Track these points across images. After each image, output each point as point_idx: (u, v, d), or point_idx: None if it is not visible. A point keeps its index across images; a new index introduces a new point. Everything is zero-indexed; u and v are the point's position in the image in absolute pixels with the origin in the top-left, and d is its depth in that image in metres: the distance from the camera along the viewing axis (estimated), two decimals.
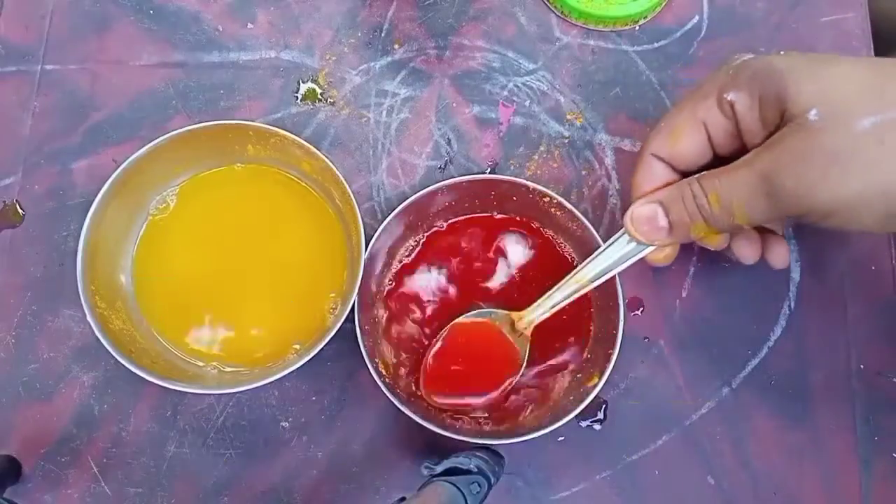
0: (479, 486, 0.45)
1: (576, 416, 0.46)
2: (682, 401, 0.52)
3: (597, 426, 0.52)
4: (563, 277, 0.47)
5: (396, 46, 0.58)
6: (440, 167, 0.56)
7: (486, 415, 0.50)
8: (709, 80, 0.41)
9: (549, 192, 0.50)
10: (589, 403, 0.46)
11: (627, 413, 0.52)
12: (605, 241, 0.45)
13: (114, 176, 0.48)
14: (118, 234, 0.51)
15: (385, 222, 0.49)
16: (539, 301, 0.48)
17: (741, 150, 0.40)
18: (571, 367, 0.51)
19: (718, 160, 0.41)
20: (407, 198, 0.50)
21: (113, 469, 0.52)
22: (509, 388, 0.49)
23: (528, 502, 0.51)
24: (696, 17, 0.59)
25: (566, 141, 0.56)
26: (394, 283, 0.52)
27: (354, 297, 0.47)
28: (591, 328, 0.51)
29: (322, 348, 0.45)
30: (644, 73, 0.58)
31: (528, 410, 0.50)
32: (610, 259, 0.44)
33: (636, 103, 0.57)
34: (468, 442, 0.47)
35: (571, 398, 0.48)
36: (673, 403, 0.52)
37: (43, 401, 0.52)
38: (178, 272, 0.53)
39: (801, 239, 0.55)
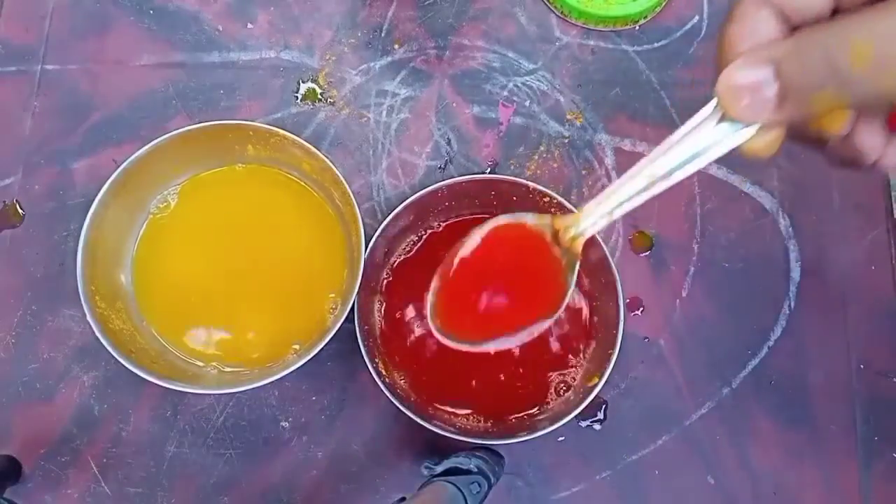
0: (479, 486, 0.45)
1: (576, 416, 0.46)
2: (682, 401, 0.52)
3: (597, 426, 0.52)
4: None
5: (396, 46, 0.58)
6: (440, 167, 0.56)
7: (477, 416, 0.50)
8: None
9: (549, 192, 0.50)
10: (589, 403, 0.46)
11: (627, 413, 0.52)
12: (604, 240, 0.45)
13: (114, 176, 0.48)
14: (118, 234, 0.51)
15: (385, 222, 0.49)
16: (599, 198, 0.34)
17: None
18: (571, 366, 0.51)
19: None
20: (407, 198, 0.50)
21: (113, 469, 0.52)
22: (546, 325, 0.37)
23: (528, 502, 0.51)
24: (696, 17, 0.59)
25: (566, 141, 0.56)
26: (393, 281, 0.52)
27: (354, 297, 0.47)
28: (591, 328, 0.51)
29: (322, 348, 0.45)
30: (644, 73, 0.58)
31: (528, 410, 0.50)
32: (692, 148, 0.33)
33: (636, 103, 0.57)
34: (468, 442, 0.47)
35: (571, 398, 0.48)
36: (673, 403, 0.52)
37: (43, 401, 0.52)
38: (177, 272, 0.53)
39: (801, 239, 0.55)
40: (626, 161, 0.56)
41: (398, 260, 0.53)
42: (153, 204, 0.53)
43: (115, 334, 0.47)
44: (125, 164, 0.48)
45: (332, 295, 0.51)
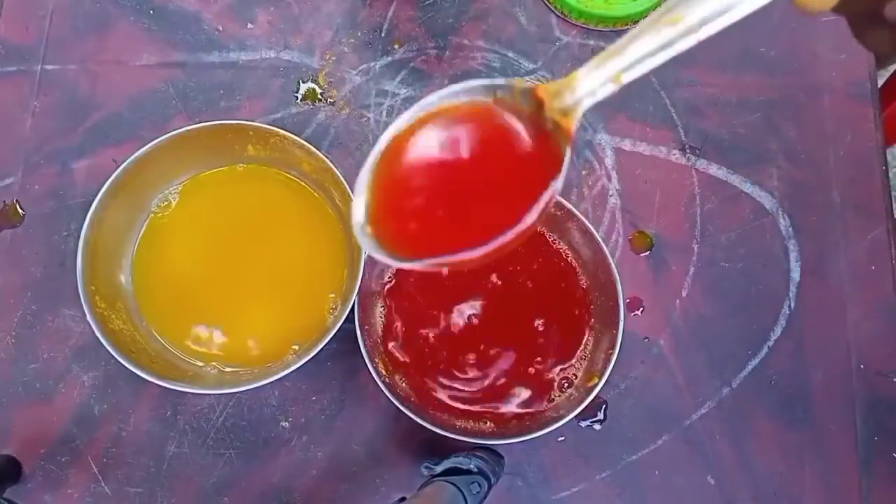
0: (479, 485, 0.45)
1: (576, 416, 0.46)
2: (681, 401, 0.52)
3: (597, 426, 0.52)
4: (559, 280, 0.45)
5: (396, 46, 0.58)
6: None
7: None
8: None
9: None
10: (589, 403, 0.46)
11: (627, 413, 0.52)
12: (604, 240, 0.45)
13: (114, 176, 0.48)
14: (118, 233, 0.51)
15: None
16: (602, 56, 0.26)
17: None
18: (571, 366, 0.51)
19: None
20: None
21: (113, 469, 0.52)
22: (511, 237, 0.26)
23: (528, 502, 0.51)
24: None
25: None
26: (393, 281, 0.52)
27: (354, 297, 0.47)
28: (591, 328, 0.51)
29: (322, 348, 0.45)
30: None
31: (527, 410, 0.50)
32: None
33: (636, 103, 0.57)
34: (468, 442, 0.47)
35: (571, 398, 0.48)
36: (673, 403, 0.52)
37: (43, 401, 0.52)
38: (177, 272, 0.53)
39: (801, 239, 0.55)
40: (626, 161, 0.56)
41: None
42: (153, 204, 0.53)
43: (114, 334, 0.47)
44: (125, 163, 0.48)
45: (332, 295, 0.51)
